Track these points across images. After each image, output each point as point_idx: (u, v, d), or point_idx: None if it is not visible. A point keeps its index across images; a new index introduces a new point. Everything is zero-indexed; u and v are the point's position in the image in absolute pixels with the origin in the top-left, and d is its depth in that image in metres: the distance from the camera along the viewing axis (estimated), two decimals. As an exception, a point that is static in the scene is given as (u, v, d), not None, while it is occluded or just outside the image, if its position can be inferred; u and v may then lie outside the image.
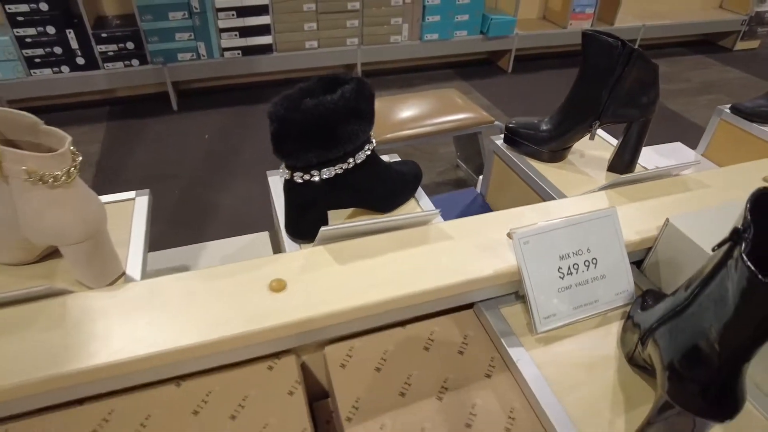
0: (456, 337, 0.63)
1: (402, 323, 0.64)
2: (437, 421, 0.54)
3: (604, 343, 0.61)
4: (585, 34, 0.83)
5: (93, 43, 2.40)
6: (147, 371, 0.51)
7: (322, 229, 0.61)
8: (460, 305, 0.66)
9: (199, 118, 2.62)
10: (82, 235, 0.58)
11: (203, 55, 2.61)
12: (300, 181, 0.67)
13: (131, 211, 0.76)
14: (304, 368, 0.63)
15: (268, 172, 0.87)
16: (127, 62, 2.51)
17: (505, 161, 0.97)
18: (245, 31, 2.60)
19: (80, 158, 0.57)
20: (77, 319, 0.52)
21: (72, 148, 0.56)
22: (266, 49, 2.70)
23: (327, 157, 0.65)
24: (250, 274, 0.58)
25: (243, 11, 2.53)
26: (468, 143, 2.12)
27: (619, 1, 3.10)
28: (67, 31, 2.34)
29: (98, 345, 0.50)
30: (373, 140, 0.71)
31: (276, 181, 0.85)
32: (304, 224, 0.70)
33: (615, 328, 0.63)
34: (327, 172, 0.67)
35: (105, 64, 2.48)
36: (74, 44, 2.38)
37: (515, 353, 0.58)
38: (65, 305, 0.54)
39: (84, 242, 0.59)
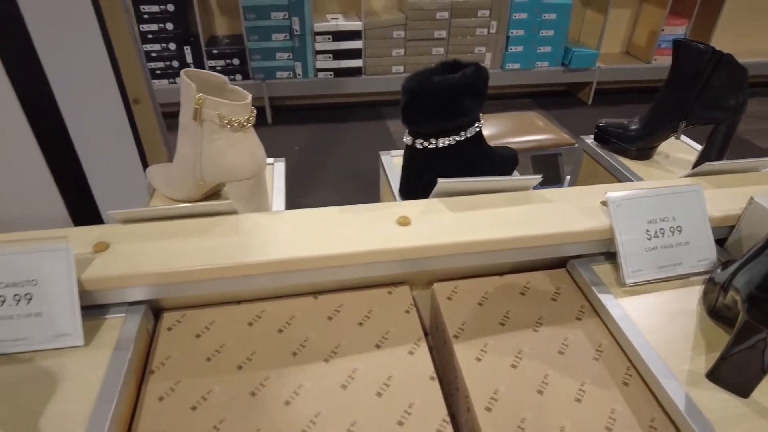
0: (549, 287, 0.72)
1: (500, 273, 0.74)
2: (533, 345, 0.63)
3: (687, 300, 0.68)
4: (676, 42, 0.91)
5: (205, 59, 2.69)
6: (294, 274, 0.63)
7: (441, 180, 0.72)
8: (554, 263, 0.74)
9: (291, 132, 2.84)
10: (250, 173, 0.73)
11: (299, 74, 2.85)
12: (420, 147, 0.79)
13: (272, 173, 0.91)
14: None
15: (380, 153, 1.00)
16: (231, 77, 2.79)
17: (594, 158, 1.06)
18: (338, 54, 2.82)
19: (255, 111, 0.72)
20: (249, 230, 0.66)
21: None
22: (356, 71, 2.90)
23: (445, 127, 0.77)
24: (382, 212, 0.70)
25: (338, 36, 2.76)
26: (546, 165, 2.19)
27: (709, 36, 3.09)
28: (185, 47, 2.64)
29: (268, 248, 0.63)
30: (482, 120, 0.82)
31: (388, 160, 0.98)
32: (418, 186, 0.82)
33: (697, 289, 0.69)
34: (443, 141, 0.78)
35: (214, 78, 2.76)
36: (189, 59, 2.68)
37: (604, 298, 0.66)
38: (239, 221, 0.68)
39: (250, 180, 0.73)
